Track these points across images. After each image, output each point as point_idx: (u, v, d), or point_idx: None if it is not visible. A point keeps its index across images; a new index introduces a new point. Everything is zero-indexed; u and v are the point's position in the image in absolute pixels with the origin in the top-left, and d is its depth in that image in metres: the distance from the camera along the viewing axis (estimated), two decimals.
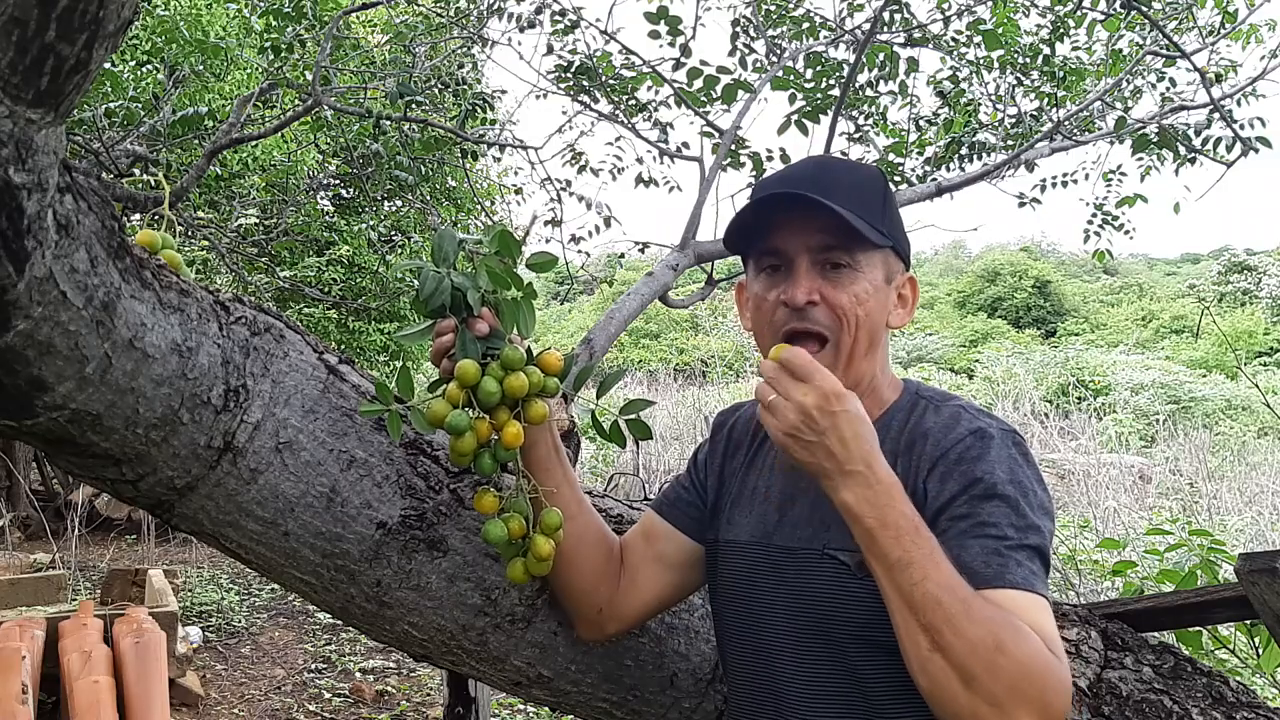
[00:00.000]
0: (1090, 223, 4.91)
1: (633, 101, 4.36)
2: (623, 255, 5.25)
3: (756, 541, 1.21)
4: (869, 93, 4.55)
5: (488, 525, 1.22)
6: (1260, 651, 2.12)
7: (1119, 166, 4.88)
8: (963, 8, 4.26)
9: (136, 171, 5.28)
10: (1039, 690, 0.93)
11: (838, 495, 1.03)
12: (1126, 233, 4.91)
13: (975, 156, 4.65)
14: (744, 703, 1.22)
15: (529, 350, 1.24)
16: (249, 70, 6.05)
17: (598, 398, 1.28)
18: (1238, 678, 1.74)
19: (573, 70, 4.26)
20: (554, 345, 1.33)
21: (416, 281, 1.21)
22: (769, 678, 1.17)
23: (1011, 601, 0.99)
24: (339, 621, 1.59)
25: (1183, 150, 4.40)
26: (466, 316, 1.21)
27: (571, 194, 4.91)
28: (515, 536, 1.23)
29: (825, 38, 4.23)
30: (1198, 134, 4.29)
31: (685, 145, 4.40)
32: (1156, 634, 1.56)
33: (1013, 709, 0.93)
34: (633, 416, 1.30)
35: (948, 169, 4.77)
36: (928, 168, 4.82)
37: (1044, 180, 5.03)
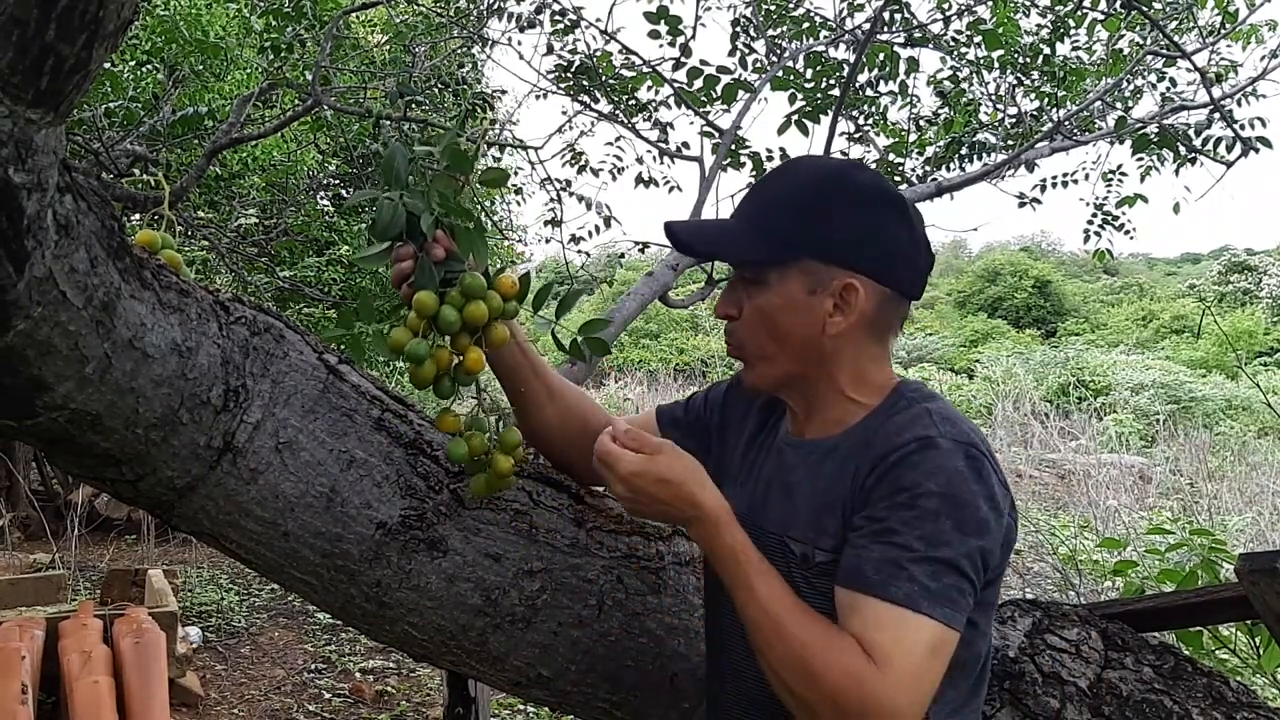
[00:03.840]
0: (1090, 223, 4.91)
1: (633, 101, 4.36)
2: (623, 255, 5.25)
3: (742, 519, 1.22)
4: (869, 93, 4.55)
5: (451, 444, 1.25)
6: (1261, 651, 2.12)
7: (1119, 166, 4.88)
8: (963, 8, 4.26)
9: (136, 171, 5.28)
10: (847, 702, 0.99)
11: (690, 535, 1.14)
12: (1127, 233, 4.90)
13: (975, 156, 4.65)
14: (709, 676, 1.30)
15: (487, 272, 1.24)
16: (249, 70, 6.05)
17: (556, 317, 1.31)
18: (1238, 678, 1.74)
19: (573, 70, 4.26)
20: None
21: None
22: (721, 654, 1.25)
23: (875, 615, 1.01)
24: (339, 621, 1.59)
25: (1183, 150, 4.40)
26: (423, 242, 1.20)
27: (571, 194, 4.90)
28: (477, 453, 1.26)
29: (825, 38, 4.23)
30: (1198, 134, 4.28)
31: (685, 145, 4.40)
32: (1157, 634, 1.56)
33: (823, 715, 1.00)
34: (592, 336, 1.31)
35: (948, 169, 4.77)
36: (928, 168, 4.82)
37: (1044, 180, 5.03)
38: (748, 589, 1.07)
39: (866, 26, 3.85)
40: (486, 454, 1.27)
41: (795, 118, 4.04)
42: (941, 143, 4.73)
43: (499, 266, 1.29)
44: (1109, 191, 4.87)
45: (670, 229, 1.20)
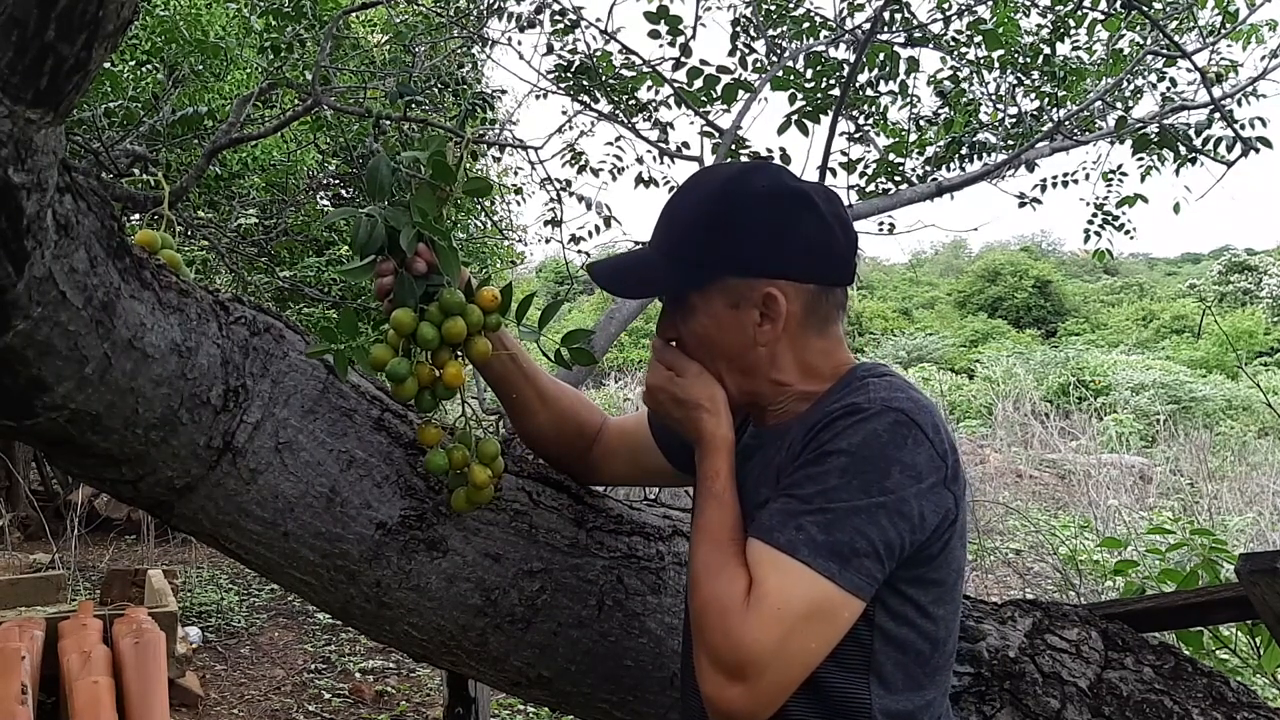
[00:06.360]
0: (1091, 222, 4.91)
1: (633, 101, 4.36)
2: None
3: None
4: (869, 93, 4.55)
5: (430, 456, 1.25)
6: (1261, 652, 2.12)
7: (1119, 166, 4.89)
8: (963, 8, 4.26)
9: (136, 171, 5.27)
10: (710, 630, 0.99)
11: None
12: (1127, 232, 4.90)
13: (975, 156, 4.65)
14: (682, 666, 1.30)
15: (469, 283, 1.24)
16: (249, 70, 6.04)
17: (539, 329, 1.31)
18: (1238, 678, 1.74)
19: (573, 70, 4.26)
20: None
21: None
22: (687, 651, 1.24)
23: (756, 557, 1.01)
24: (339, 621, 1.59)
25: (1183, 150, 4.40)
26: (404, 258, 1.20)
27: (571, 194, 4.90)
28: (458, 466, 1.26)
29: (825, 38, 4.23)
30: (1198, 134, 4.28)
31: (685, 145, 4.40)
32: (1157, 634, 1.56)
33: (699, 641, 1.02)
34: (576, 346, 1.32)
35: (948, 169, 4.77)
36: (928, 168, 4.82)
37: (1044, 180, 5.04)
38: (698, 514, 1.09)
39: (866, 26, 3.85)
40: (467, 467, 1.27)
41: (795, 118, 4.03)
42: (941, 143, 4.73)
43: (484, 277, 1.29)
44: (1109, 191, 4.87)
45: (592, 272, 1.21)
